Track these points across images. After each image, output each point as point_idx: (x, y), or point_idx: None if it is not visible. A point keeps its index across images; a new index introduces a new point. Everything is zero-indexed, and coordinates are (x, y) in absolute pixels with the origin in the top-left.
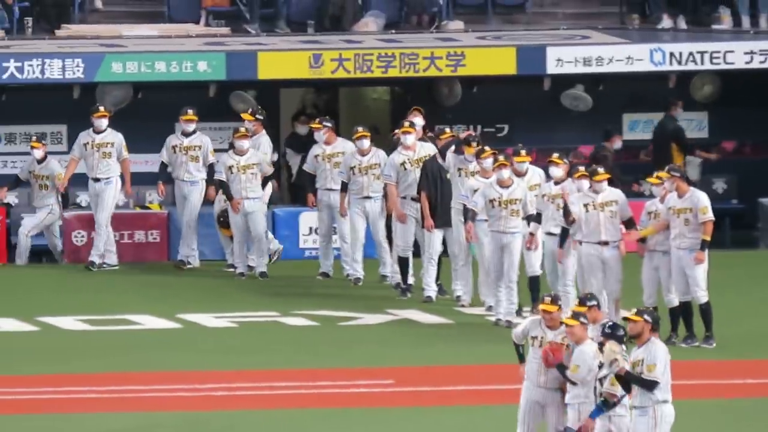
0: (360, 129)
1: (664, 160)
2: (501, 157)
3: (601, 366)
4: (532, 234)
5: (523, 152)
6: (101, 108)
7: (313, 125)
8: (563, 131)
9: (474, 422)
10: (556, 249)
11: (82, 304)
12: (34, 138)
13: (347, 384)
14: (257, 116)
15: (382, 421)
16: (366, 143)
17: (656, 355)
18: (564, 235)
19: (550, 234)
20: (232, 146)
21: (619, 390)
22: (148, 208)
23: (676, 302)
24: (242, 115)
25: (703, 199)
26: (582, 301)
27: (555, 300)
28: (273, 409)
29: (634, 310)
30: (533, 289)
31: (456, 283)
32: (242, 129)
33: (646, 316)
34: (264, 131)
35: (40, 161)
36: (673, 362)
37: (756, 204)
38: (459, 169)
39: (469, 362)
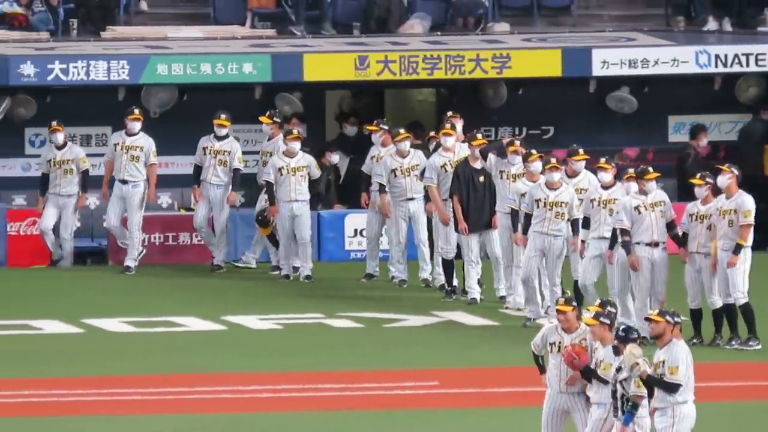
0: (402, 131)
1: (752, 161)
2: (553, 160)
3: (619, 369)
4: (583, 241)
5: (580, 151)
6: (136, 111)
7: (370, 127)
8: (608, 133)
9: (519, 424)
10: (606, 252)
11: (126, 306)
12: (54, 123)
13: (392, 386)
14: (275, 119)
15: (427, 423)
16: (407, 145)
17: (678, 357)
18: (613, 238)
19: (602, 238)
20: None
21: (644, 391)
22: (193, 210)
23: (719, 304)
24: (260, 118)
25: (747, 202)
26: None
27: (569, 301)
28: (318, 411)
29: (656, 310)
30: (579, 294)
31: (499, 283)
32: (295, 131)
33: (668, 317)
34: (281, 134)
35: (61, 147)
36: (716, 364)
37: None
38: (501, 172)
39: (514, 364)
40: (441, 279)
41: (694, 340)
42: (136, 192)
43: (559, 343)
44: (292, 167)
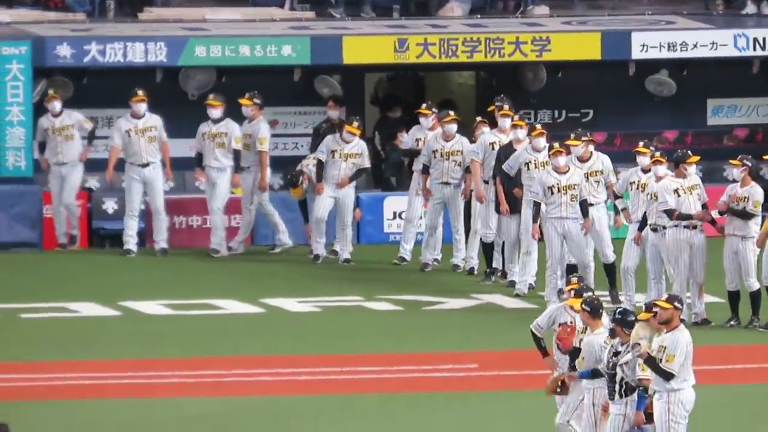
0: (451, 113)
1: None
2: (556, 144)
3: (618, 353)
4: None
5: (572, 135)
6: (140, 92)
7: (421, 111)
8: (647, 116)
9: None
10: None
11: (164, 289)
12: (51, 91)
13: (431, 368)
14: (255, 101)
15: (466, 406)
16: (453, 128)
17: (677, 345)
18: (643, 221)
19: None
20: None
21: (649, 374)
22: (232, 193)
23: (756, 286)
24: (240, 100)
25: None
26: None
27: (580, 281)
28: (356, 394)
29: (665, 296)
30: (609, 274)
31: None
32: (355, 124)
33: (676, 303)
34: (262, 116)
35: (57, 114)
36: (751, 347)
37: None
38: (527, 163)
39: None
40: (472, 262)
41: (732, 322)
42: (158, 173)
43: (572, 322)
44: (346, 153)
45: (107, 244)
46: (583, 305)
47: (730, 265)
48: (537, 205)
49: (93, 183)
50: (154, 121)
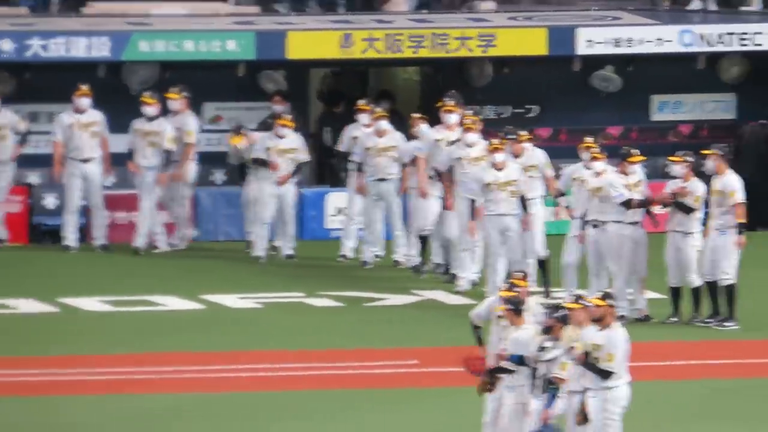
0: (378, 109)
1: None
2: (495, 141)
3: (543, 348)
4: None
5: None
6: (83, 87)
7: (360, 106)
8: (592, 112)
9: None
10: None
11: (104, 285)
12: None
13: (372, 365)
14: (184, 94)
15: (407, 402)
16: (384, 124)
17: (616, 344)
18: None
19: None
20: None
21: (566, 374)
22: None
23: (698, 282)
24: (166, 95)
25: (733, 182)
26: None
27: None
28: (297, 390)
29: (599, 293)
30: (542, 270)
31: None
32: (286, 117)
33: (609, 301)
34: (189, 110)
35: None
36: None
37: None
38: (458, 159)
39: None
40: (414, 260)
41: (673, 318)
42: (99, 170)
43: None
44: (281, 149)
45: (48, 239)
46: (505, 303)
47: (671, 261)
48: (473, 203)
49: (34, 179)
50: (97, 116)
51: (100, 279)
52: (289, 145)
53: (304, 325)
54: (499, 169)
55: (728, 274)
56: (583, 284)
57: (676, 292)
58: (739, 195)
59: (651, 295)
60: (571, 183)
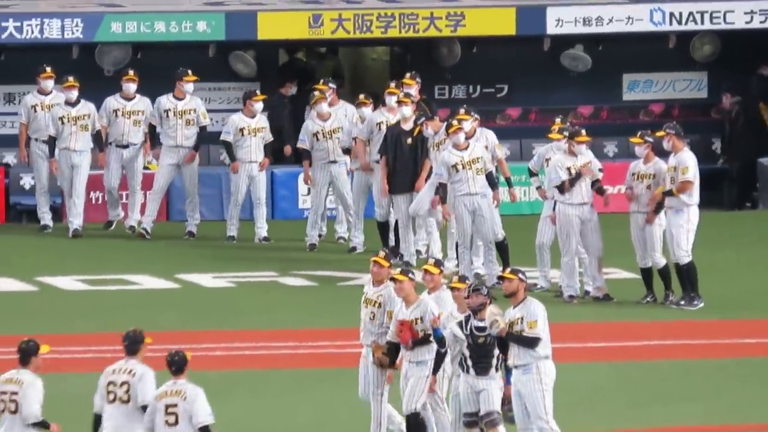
0: (316, 93)
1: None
2: (454, 122)
3: (481, 329)
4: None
5: (463, 112)
6: (48, 69)
7: (318, 87)
8: (562, 92)
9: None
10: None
11: (80, 264)
12: None
13: (345, 344)
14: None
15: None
16: (324, 107)
17: (536, 312)
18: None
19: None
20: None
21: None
22: (147, 168)
23: (662, 262)
24: (66, 85)
25: (687, 158)
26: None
27: (388, 257)
28: (270, 369)
29: (509, 269)
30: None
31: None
32: (258, 93)
33: (520, 275)
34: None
35: None
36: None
37: (755, 164)
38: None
39: None
40: (356, 240)
41: (648, 299)
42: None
43: (365, 296)
44: (253, 128)
45: (24, 219)
46: (410, 275)
47: (636, 241)
48: (443, 186)
49: (10, 159)
50: (59, 98)
51: (76, 258)
52: (259, 124)
53: (277, 305)
54: (463, 149)
55: (684, 252)
56: (556, 263)
57: (647, 273)
58: (690, 172)
59: (626, 275)
60: (543, 163)
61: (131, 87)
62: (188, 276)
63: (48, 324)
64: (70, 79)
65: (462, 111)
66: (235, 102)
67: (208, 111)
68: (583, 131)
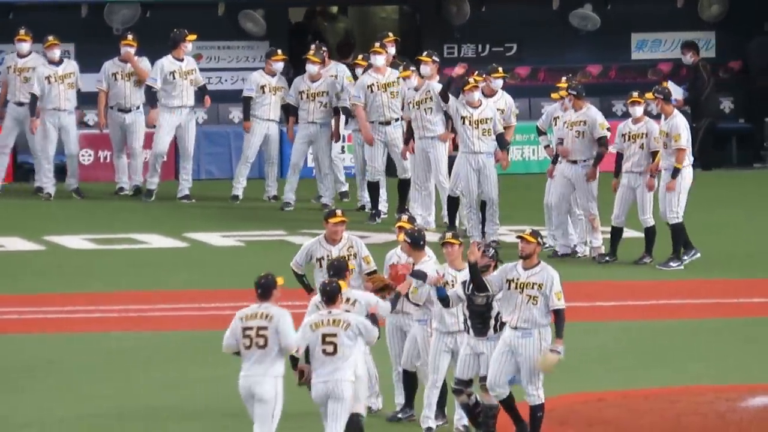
0: (310, 54)
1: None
2: (471, 80)
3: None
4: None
5: (500, 69)
6: (22, 31)
7: (309, 56)
8: (571, 51)
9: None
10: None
11: (88, 224)
12: None
13: None
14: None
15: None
16: (315, 68)
17: (556, 281)
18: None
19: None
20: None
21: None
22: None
23: (650, 222)
24: (47, 44)
25: (679, 125)
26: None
27: (342, 213)
28: None
29: (530, 231)
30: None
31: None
32: (279, 52)
33: (540, 239)
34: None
35: None
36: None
37: (762, 124)
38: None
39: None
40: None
41: (608, 258)
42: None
43: (327, 256)
44: (273, 86)
45: (32, 178)
46: (405, 237)
47: (619, 199)
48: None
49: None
50: (34, 62)
51: (83, 217)
52: (279, 84)
53: (285, 263)
54: (475, 107)
55: (675, 213)
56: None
57: (617, 232)
58: (683, 139)
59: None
60: (551, 122)
61: (130, 50)
62: (196, 235)
63: (56, 283)
64: (50, 38)
65: (500, 69)
66: (245, 61)
67: (218, 70)
68: (500, 68)
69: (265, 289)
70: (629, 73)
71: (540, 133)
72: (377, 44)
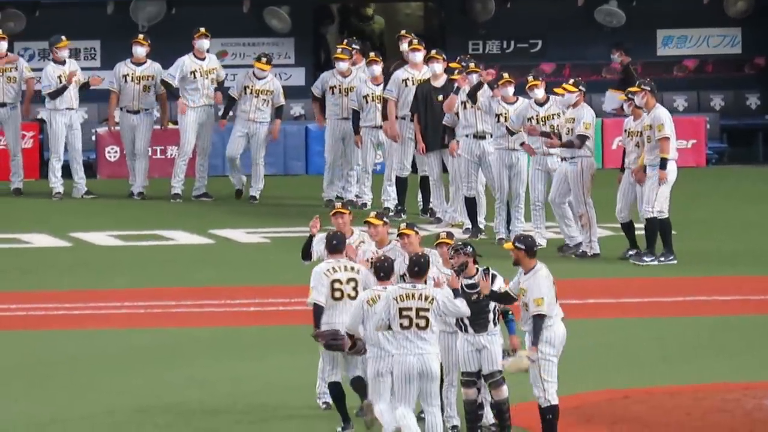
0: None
1: None
2: (505, 75)
3: (473, 286)
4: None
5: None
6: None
7: (338, 56)
8: (596, 47)
9: None
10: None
11: (114, 220)
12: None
13: None
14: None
15: None
16: (344, 65)
17: (540, 286)
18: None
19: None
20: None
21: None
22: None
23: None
24: (59, 45)
25: (661, 116)
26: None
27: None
28: (304, 325)
29: (514, 239)
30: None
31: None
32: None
33: (517, 244)
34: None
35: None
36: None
37: None
38: (498, 115)
39: None
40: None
41: (630, 252)
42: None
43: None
44: (257, 89)
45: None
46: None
47: (620, 194)
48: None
49: (44, 114)
50: (20, 63)
51: (109, 214)
52: (265, 87)
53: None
54: (510, 103)
55: (660, 209)
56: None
57: (628, 226)
58: (666, 129)
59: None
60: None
61: (140, 51)
62: (222, 232)
63: (82, 280)
64: (63, 38)
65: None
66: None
67: (243, 66)
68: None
69: (422, 269)
70: (655, 68)
71: (511, 133)
72: (415, 41)
